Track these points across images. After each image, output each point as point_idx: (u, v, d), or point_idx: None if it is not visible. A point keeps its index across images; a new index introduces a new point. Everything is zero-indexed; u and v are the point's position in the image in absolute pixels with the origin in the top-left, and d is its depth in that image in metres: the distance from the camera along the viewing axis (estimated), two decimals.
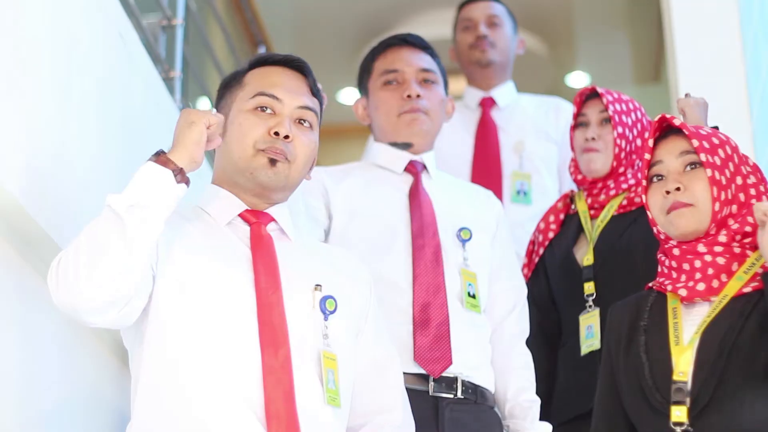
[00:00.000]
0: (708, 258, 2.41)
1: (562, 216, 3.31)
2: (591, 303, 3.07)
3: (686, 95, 3.02)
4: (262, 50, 4.97)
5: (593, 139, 3.21)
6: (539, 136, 4.02)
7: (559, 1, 7.01)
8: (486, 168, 3.94)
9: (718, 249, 2.41)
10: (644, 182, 2.51)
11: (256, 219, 2.44)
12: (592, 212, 3.23)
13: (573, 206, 3.30)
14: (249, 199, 2.45)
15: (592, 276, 3.11)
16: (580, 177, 3.28)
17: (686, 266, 2.43)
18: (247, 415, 2.22)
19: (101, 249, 2.15)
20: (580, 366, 3.03)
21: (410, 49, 3.14)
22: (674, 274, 2.45)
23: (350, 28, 7.03)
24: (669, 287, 2.44)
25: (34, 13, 2.40)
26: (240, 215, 2.44)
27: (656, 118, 2.52)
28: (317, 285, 2.40)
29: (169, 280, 2.29)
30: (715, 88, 4.67)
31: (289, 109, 2.45)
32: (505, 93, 4.17)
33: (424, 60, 3.14)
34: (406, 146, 3.11)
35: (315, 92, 2.51)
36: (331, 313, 2.39)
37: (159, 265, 2.28)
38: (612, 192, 3.21)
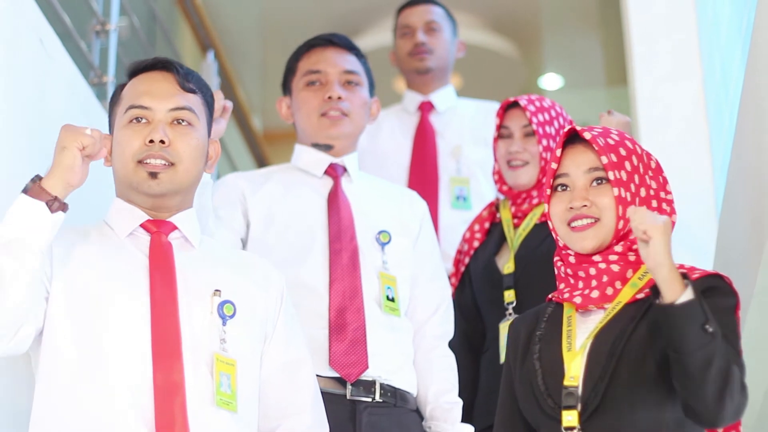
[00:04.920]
0: (602, 266, 2.42)
1: (487, 225, 3.33)
2: (511, 311, 3.09)
3: (609, 112, 3.03)
4: (210, 55, 4.97)
5: (517, 152, 3.22)
6: (477, 141, 4.02)
7: (531, 3, 7.01)
8: (423, 173, 3.96)
9: (612, 257, 2.42)
10: (548, 191, 2.50)
11: (156, 228, 2.45)
12: (516, 221, 3.25)
13: (498, 215, 3.32)
14: (148, 211, 2.47)
15: (513, 284, 3.12)
16: (505, 188, 3.30)
17: (581, 273, 2.44)
18: (140, 429, 2.24)
19: None
20: (499, 373, 3.02)
21: (335, 50, 3.14)
22: (571, 281, 2.46)
23: (320, 31, 7.03)
24: (565, 295, 2.44)
25: None
26: (142, 225, 2.46)
27: (565, 129, 2.50)
28: (216, 290, 2.42)
29: (62, 298, 2.32)
30: (673, 92, 4.68)
31: (161, 114, 2.46)
32: (444, 97, 4.18)
33: (349, 61, 3.14)
34: (327, 148, 3.11)
35: (188, 88, 2.50)
36: (230, 317, 2.41)
37: (53, 284, 2.32)
38: (535, 201, 3.24)
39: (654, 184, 2.48)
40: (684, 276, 2.24)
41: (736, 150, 3.27)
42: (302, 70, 3.14)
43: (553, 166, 2.48)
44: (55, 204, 2.25)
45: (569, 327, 2.40)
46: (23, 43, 2.87)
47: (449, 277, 3.33)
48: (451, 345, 3.13)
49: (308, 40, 3.19)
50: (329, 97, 3.07)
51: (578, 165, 2.46)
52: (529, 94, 3.36)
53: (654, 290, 2.27)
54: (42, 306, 2.30)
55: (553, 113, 3.26)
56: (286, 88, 3.19)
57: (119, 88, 2.56)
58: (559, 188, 2.48)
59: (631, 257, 2.41)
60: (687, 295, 2.21)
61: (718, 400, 2.20)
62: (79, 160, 2.28)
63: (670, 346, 2.23)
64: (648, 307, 2.35)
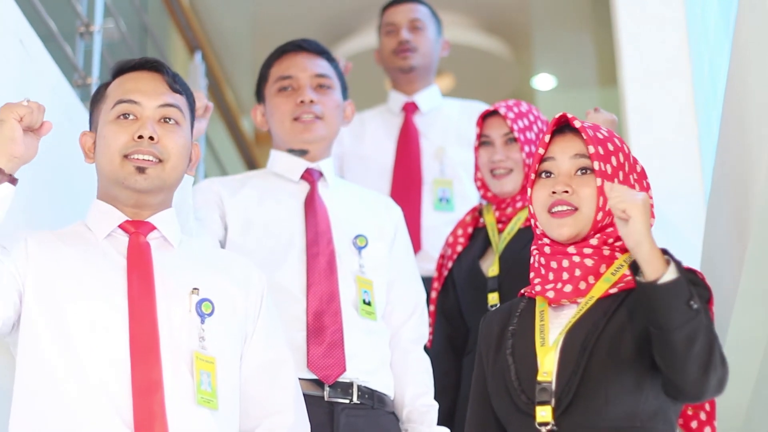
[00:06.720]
0: (576, 259, 2.41)
1: (470, 230, 3.34)
2: None
3: (595, 109, 3.03)
4: (198, 56, 4.96)
5: (500, 160, 3.23)
6: (461, 142, 4.02)
7: (523, 4, 7.01)
8: (406, 175, 3.96)
9: (587, 251, 2.42)
10: (533, 175, 2.49)
11: (135, 229, 2.46)
12: (500, 225, 3.26)
13: (481, 219, 3.33)
14: (129, 210, 2.48)
15: (497, 287, 3.13)
16: (490, 194, 3.31)
17: (554, 265, 2.43)
18: (119, 428, 2.24)
19: None
20: None
21: (306, 55, 3.17)
22: (542, 271, 2.46)
23: (312, 33, 7.03)
24: (537, 288, 2.44)
25: None
26: (120, 226, 2.46)
27: (557, 115, 2.50)
28: (194, 288, 2.43)
29: (39, 298, 2.33)
30: (662, 91, 4.69)
31: (150, 111, 2.47)
32: (428, 97, 4.18)
33: (320, 65, 3.16)
34: (302, 153, 3.12)
35: (176, 89, 2.52)
36: (208, 315, 2.42)
37: (28, 283, 2.33)
38: (519, 205, 3.24)
39: (638, 187, 2.47)
40: (664, 252, 2.24)
41: (720, 151, 3.27)
42: (274, 77, 3.16)
43: (540, 151, 2.48)
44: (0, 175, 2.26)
45: (542, 321, 2.40)
46: (2, 45, 2.85)
47: (432, 281, 3.34)
48: (435, 348, 3.11)
49: (279, 47, 3.21)
50: (301, 102, 3.09)
51: (564, 150, 2.47)
52: (506, 99, 3.37)
53: (633, 267, 2.27)
54: (11, 294, 2.31)
55: (532, 117, 3.28)
56: (260, 95, 3.21)
57: (103, 87, 2.57)
58: (543, 175, 2.48)
59: (606, 251, 2.41)
60: (671, 272, 2.20)
61: (703, 374, 2.20)
62: (18, 131, 2.29)
63: (654, 323, 2.22)
64: (622, 300, 2.35)
